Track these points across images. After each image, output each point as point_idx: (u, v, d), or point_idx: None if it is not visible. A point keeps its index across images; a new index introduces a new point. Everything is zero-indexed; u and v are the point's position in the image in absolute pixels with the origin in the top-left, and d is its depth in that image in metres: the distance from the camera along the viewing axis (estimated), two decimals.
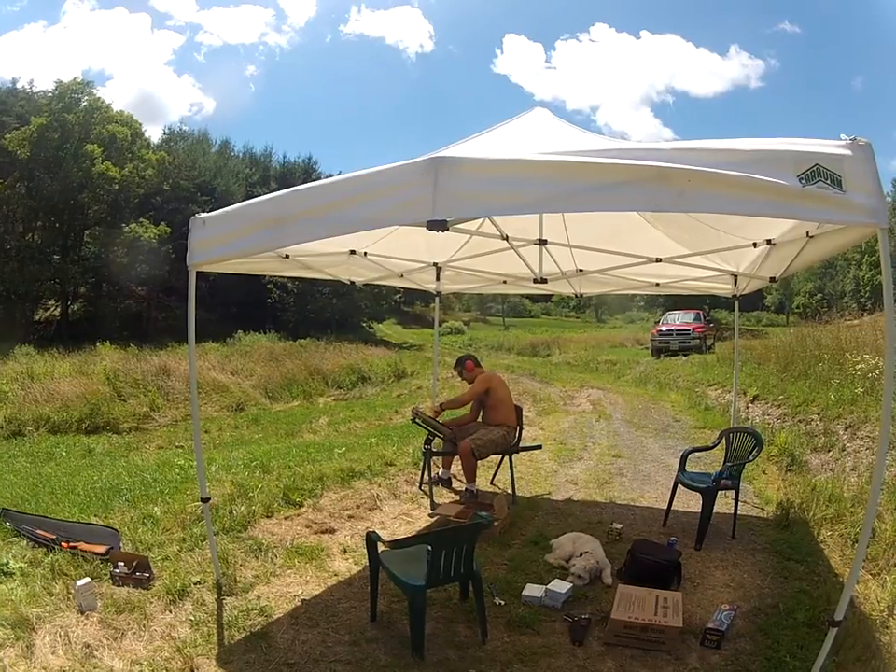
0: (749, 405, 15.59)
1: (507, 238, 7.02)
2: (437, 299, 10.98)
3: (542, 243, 7.50)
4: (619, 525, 7.76)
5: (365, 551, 5.96)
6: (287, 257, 7.50)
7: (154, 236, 56.32)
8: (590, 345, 46.40)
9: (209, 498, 6.53)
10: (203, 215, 5.71)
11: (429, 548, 5.04)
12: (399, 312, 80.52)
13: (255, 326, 50.56)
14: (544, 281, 8.46)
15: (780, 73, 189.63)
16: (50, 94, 59.42)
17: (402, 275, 9.59)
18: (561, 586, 6.07)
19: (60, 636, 5.18)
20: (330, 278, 9.20)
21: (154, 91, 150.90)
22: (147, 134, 67.51)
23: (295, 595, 6.20)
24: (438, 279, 9.89)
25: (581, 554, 6.64)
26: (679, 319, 36.59)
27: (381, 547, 5.70)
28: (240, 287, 55.33)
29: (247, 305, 58.71)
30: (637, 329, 61.07)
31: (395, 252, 8.58)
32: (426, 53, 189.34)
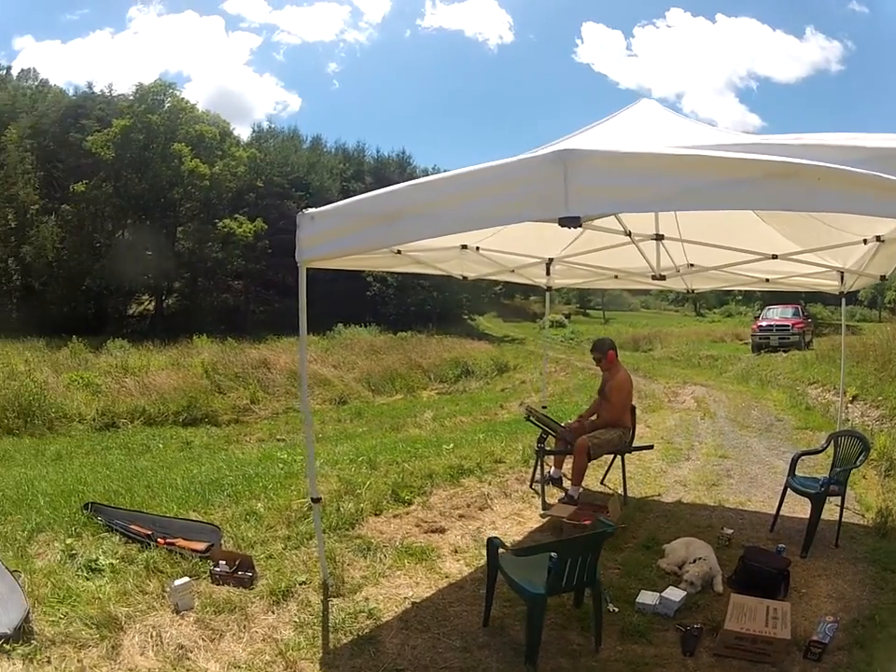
0: (849, 405, 15.16)
1: (630, 234, 6.87)
2: (547, 294, 10.92)
3: (659, 238, 7.35)
4: (729, 531, 7.51)
5: (477, 552, 6.05)
6: (399, 252, 7.37)
7: (249, 231, 57.48)
8: (690, 340, 45.99)
9: (320, 499, 6.45)
10: (311, 210, 5.61)
11: (555, 556, 4.87)
12: (499, 304, 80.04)
13: (355, 319, 50.87)
14: (662, 278, 8.29)
15: (857, 55, 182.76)
16: (131, 97, 61.51)
17: (514, 270, 9.44)
18: (675, 594, 5.89)
19: (151, 636, 5.11)
20: (443, 273, 9.03)
21: (236, 91, 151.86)
22: (235, 133, 69.49)
23: (405, 598, 6.06)
24: (548, 274, 9.68)
25: (694, 561, 6.44)
26: (778, 314, 35.96)
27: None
28: (339, 280, 55.79)
29: (347, 298, 58.84)
30: (736, 323, 60.51)
31: (506, 247, 8.44)
32: (506, 45, 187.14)
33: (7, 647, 4.77)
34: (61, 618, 5.24)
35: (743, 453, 12.15)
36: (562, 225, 3.96)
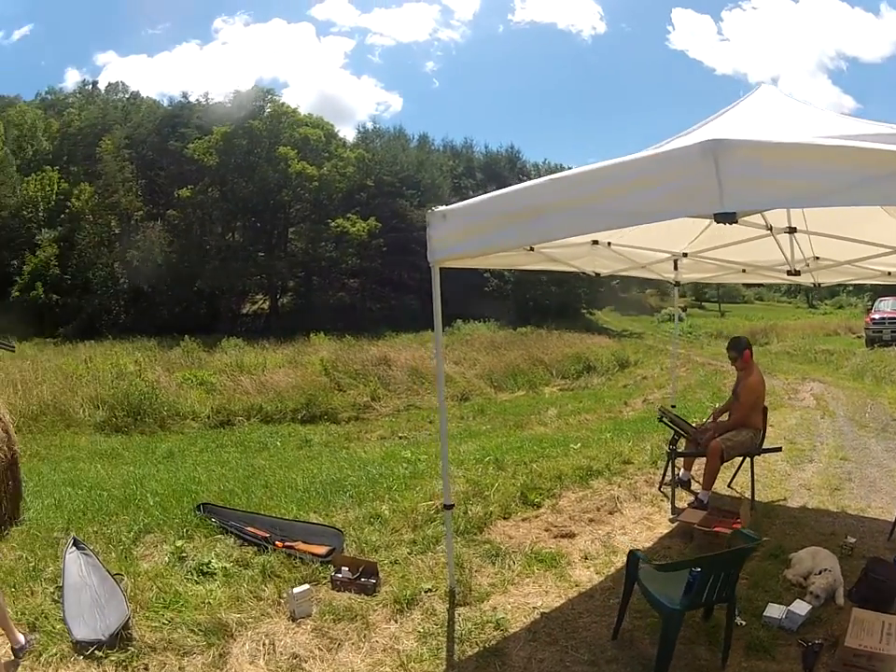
0: None
1: (771, 228, 6.61)
2: (675, 289, 10.81)
3: (792, 231, 6.99)
4: (853, 539, 7.20)
5: (607, 559, 6.07)
6: (531, 249, 7.19)
7: (363, 230, 58.30)
8: (805, 333, 45.29)
9: (453, 505, 6.37)
10: (442, 208, 5.52)
11: (697, 570, 4.72)
12: (617, 298, 78.98)
13: (473, 314, 51.04)
14: (797, 273, 7.99)
15: None
16: (228, 104, 64.52)
17: (644, 266, 9.26)
18: (801, 608, 5.69)
19: (263, 644, 5.05)
20: (575, 270, 8.90)
21: (335, 94, 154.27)
22: (340, 134, 71.39)
23: (534, 608, 5.86)
24: (675, 269, 9.43)
25: (819, 572, 6.19)
26: (890, 306, 34.85)
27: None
28: (457, 275, 55.87)
29: (465, 294, 58.85)
30: (847, 315, 59.37)
31: (636, 241, 8.13)
32: (600, 35, 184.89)
33: (100, 653, 4.73)
34: (164, 623, 5.21)
35: (862, 455, 11.82)
36: (717, 221, 3.83)
